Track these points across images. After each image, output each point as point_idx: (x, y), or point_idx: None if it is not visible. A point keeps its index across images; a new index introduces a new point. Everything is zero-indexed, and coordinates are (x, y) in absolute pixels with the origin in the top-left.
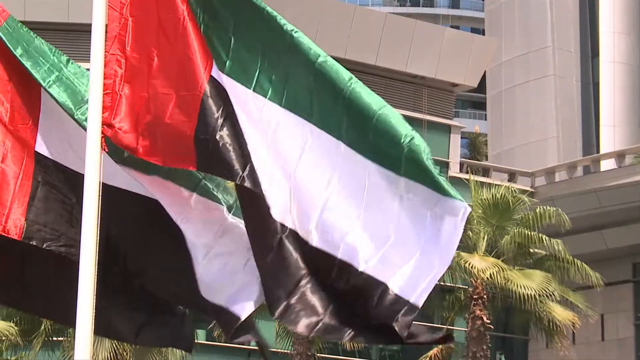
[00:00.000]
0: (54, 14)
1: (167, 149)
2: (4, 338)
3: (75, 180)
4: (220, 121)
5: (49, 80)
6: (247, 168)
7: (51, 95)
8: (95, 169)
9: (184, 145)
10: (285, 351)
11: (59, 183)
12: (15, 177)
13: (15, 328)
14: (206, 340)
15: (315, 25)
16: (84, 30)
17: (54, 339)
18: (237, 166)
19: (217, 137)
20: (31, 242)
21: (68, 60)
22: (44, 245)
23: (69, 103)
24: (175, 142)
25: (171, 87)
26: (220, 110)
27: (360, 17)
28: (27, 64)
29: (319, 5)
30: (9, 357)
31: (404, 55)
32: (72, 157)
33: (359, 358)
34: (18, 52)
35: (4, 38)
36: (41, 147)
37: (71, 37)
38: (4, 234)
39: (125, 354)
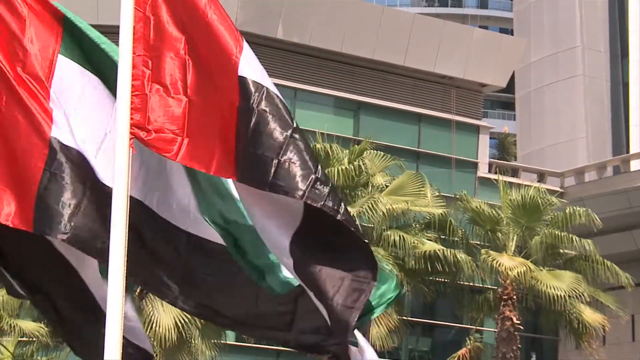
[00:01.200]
0: (83, 16)
1: (206, 155)
2: (34, 339)
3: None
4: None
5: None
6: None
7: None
8: (124, 172)
9: (224, 152)
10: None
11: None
12: (26, 165)
13: (46, 329)
14: (235, 341)
15: (344, 26)
16: (113, 32)
17: None
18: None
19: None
20: (40, 233)
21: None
22: (52, 235)
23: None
24: (214, 148)
25: (203, 88)
26: (255, 113)
27: (388, 17)
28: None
29: (346, 7)
30: (39, 358)
31: (433, 56)
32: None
33: (388, 359)
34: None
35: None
36: (56, 132)
37: None
38: (13, 225)
39: (155, 354)
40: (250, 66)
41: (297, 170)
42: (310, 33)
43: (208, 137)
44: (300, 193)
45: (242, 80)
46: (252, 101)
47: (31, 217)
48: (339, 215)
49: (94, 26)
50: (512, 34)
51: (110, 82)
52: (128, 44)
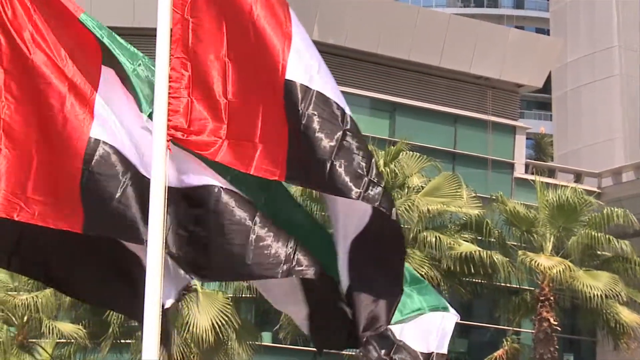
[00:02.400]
0: (120, 18)
1: (245, 155)
2: (72, 341)
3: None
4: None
5: (133, 69)
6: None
7: (131, 85)
8: (161, 173)
9: (268, 153)
10: (351, 353)
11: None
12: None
13: (84, 331)
14: (272, 343)
15: (379, 27)
16: (150, 34)
17: (122, 341)
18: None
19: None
20: (91, 233)
21: (143, 57)
22: (102, 234)
23: (141, 97)
24: (255, 149)
25: (247, 90)
26: (305, 117)
27: (424, 18)
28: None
29: (382, 8)
30: None
31: (469, 56)
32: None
33: None
34: (103, 33)
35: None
36: (95, 130)
37: (137, 41)
38: (66, 228)
39: (192, 356)
40: (298, 69)
41: (350, 171)
42: (346, 34)
43: (249, 139)
44: (355, 194)
45: (289, 84)
46: (300, 105)
47: (81, 219)
48: (392, 216)
49: (131, 28)
50: (548, 34)
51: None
52: (165, 46)
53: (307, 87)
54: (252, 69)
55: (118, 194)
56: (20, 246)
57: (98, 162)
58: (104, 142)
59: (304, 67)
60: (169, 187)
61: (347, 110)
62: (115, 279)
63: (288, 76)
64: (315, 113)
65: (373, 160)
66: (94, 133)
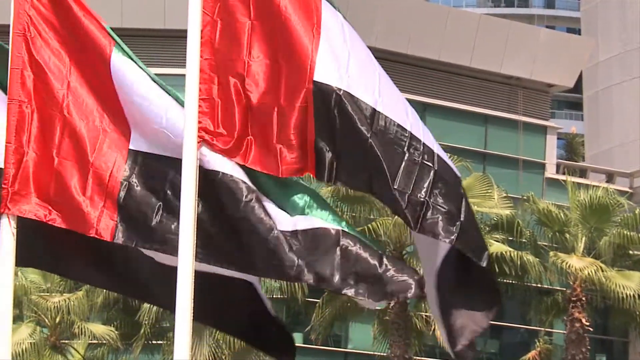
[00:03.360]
0: (151, 20)
1: (274, 159)
2: (104, 342)
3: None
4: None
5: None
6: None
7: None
8: (191, 176)
9: (299, 151)
10: (382, 354)
11: (152, 175)
12: (107, 177)
13: (116, 332)
14: (303, 344)
15: (409, 27)
16: (180, 36)
17: (154, 342)
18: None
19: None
20: (122, 242)
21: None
22: (134, 245)
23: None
24: (283, 152)
25: (273, 92)
26: (337, 119)
27: (454, 18)
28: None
29: (412, 8)
30: None
31: (499, 56)
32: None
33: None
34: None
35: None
36: (135, 143)
37: (168, 43)
38: (96, 236)
39: (224, 356)
40: (327, 69)
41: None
42: (376, 35)
43: (277, 142)
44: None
45: (317, 85)
46: (329, 105)
47: (113, 227)
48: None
49: (161, 30)
50: (579, 34)
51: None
52: (195, 48)
53: (334, 87)
54: (281, 70)
55: (156, 208)
56: (49, 245)
57: (138, 174)
58: (144, 153)
59: (334, 65)
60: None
61: (378, 107)
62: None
63: (317, 77)
64: (344, 112)
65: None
66: (134, 145)
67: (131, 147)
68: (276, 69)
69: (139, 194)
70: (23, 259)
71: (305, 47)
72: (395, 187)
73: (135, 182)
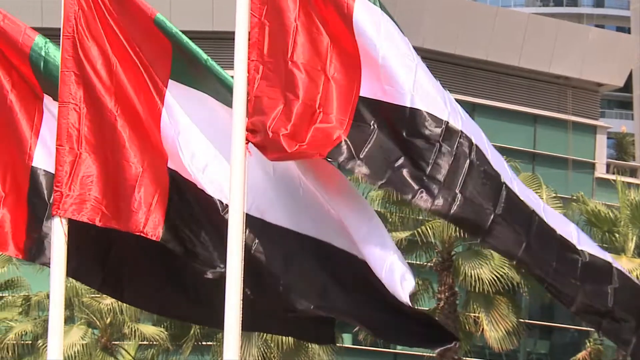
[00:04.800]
0: (199, 22)
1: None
2: (154, 343)
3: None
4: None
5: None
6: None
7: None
8: (240, 177)
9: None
10: (431, 354)
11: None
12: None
13: (166, 333)
14: (352, 344)
15: (457, 27)
16: (229, 38)
17: (203, 343)
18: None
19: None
20: (165, 243)
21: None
22: (181, 249)
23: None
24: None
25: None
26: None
27: (502, 18)
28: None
29: (460, 8)
30: None
31: (548, 56)
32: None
33: None
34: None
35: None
36: (173, 164)
37: (216, 45)
38: (144, 235)
39: (273, 357)
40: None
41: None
42: (424, 35)
43: (321, 140)
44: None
45: (362, 100)
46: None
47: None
48: None
49: (209, 32)
50: (629, 33)
51: (221, 94)
52: (243, 50)
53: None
54: (317, 72)
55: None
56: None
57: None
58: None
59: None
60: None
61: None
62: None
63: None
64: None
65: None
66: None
67: (170, 166)
68: (318, 71)
69: (184, 194)
70: (73, 270)
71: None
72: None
73: (182, 183)
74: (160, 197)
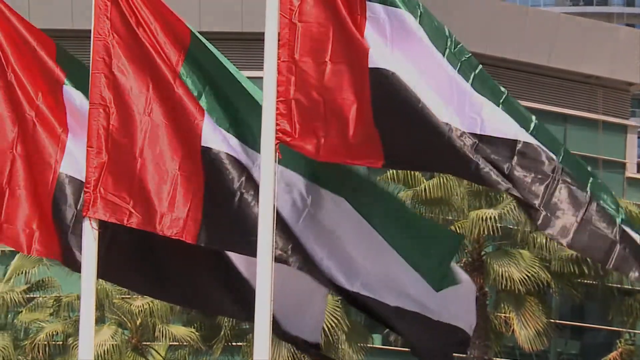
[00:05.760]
0: (229, 23)
1: (350, 150)
2: (185, 344)
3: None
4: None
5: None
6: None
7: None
8: (269, 177)
9: (370, 144)
10: (462, 355)
11: (228, 176)
12: (190, 179)
13: (196, 334)
14: (382, 345)
15: (487, 27)
16: (258, 39)
17: (234, 344)
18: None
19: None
20: (207, 245)
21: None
22: (218, 247)
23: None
24: (361, 143)
25: (347, 92)
26: (390, 101)
27: (532, 18)
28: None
29: (490, 8)
30: None
31: (578, 56)
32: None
33: None
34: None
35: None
36: (207, 141)
37: (245, 46)
38: (180, 238)
39: (303, 357)
40: (379, 53)
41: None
42: (453, 35)
43: (351, 138)
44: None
45: (373, 72)
46: (384, 90)
47: (196, 230)
48: None
49: (238, 33)
50: None
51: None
52: (273, 50)
53: (386, 70)
54: (350, 72)
55: (235, 206)
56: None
57: (213, 172)
58: (217, 150)
59: (384, 50)
60: None
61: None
62: (214, 283)
63: (372, 64)
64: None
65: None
66: (205, 141)
67: (203, 144)
68: (344, 69)
69: (219, 196)
70: (103, 273)
71: (359, 41)
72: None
73: (214, 184)
74: (195, 198)
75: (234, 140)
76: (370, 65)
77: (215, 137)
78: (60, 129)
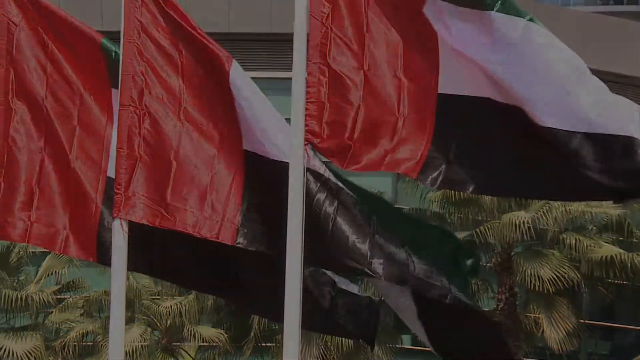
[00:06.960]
0: (258, 24)
1: (386, 158)
2: (214, 345)
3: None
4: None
5: None
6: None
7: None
8: (299, 177)
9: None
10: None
11: (266, 177)
12: (228, 181)
13: (226, 335)
14: (412, 345)
15: None
16: (287, 40)
17: (263, 344)
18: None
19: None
20: (243, 246)
21: None
22: (255, 249)
23: None
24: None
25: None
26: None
27: (562, 17)
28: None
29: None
30: None
31: (609, 55)
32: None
33: None
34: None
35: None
36: (248, 145)
37: (275, 47)
38: (218, 240)
39: (332, 358)
40: (450, 79)
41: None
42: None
43: (388, 148)
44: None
45: (441, 97)
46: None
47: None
48: None
49: (267, 34)
50: None
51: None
52: (302, 52)
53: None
54: (383, 79)
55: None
56: (158, 252)
57: (255, 175)
58: (256, 154)
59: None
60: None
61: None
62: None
63: (441, 90)
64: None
65: None
66: (246, 145)
67: (245, 148)
68: (394, 81)
69: (258, 198)
70: (134, 264)
71: (426, 59)
72: None
73: (254, 185)
74: (234, 200)
75: (269, 143)
76: (439, 91)
77: (254, 139)
78: (107, 129)
